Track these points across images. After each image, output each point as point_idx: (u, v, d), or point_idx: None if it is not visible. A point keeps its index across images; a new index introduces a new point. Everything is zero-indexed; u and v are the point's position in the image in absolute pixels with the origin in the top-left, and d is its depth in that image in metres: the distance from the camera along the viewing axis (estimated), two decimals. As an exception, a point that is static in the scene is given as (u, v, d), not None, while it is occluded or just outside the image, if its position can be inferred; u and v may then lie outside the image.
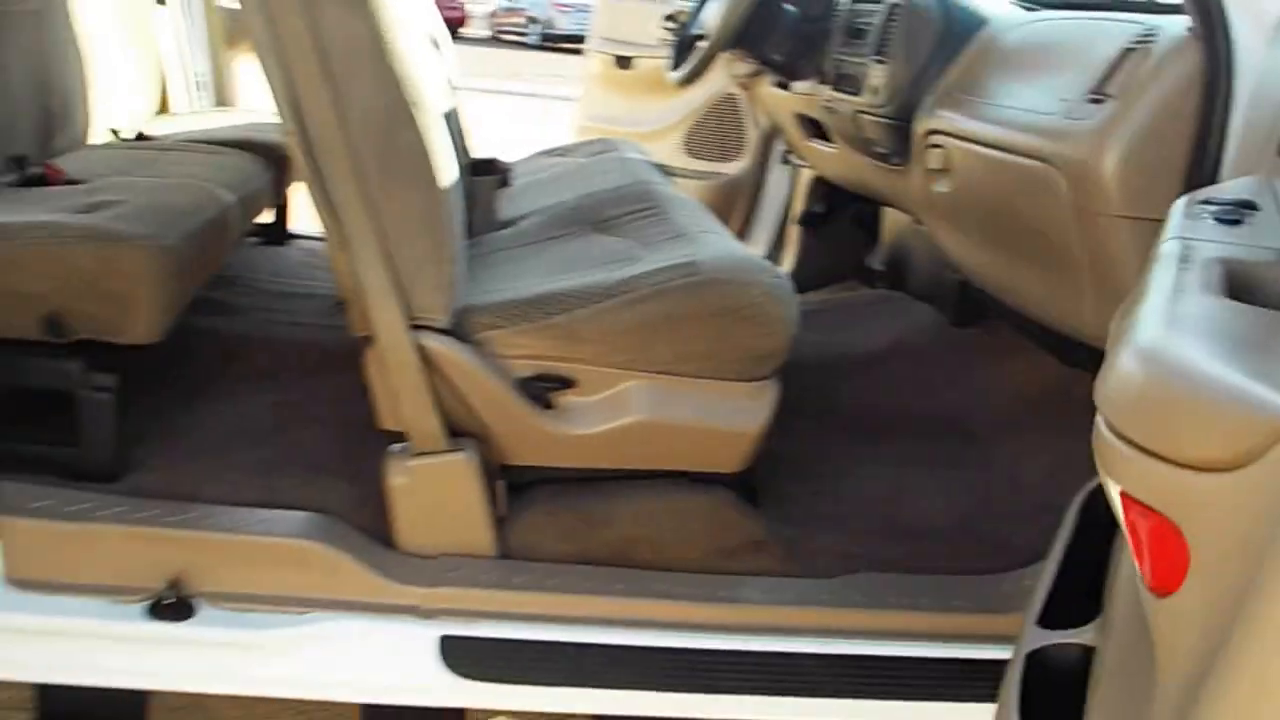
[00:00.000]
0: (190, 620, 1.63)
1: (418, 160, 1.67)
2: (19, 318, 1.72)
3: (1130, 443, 0.71)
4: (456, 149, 2.32)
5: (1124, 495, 0.74)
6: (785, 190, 3.53)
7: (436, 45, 2.48)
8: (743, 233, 3.71)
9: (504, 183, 2.75)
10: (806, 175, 3.32)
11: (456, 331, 1.72)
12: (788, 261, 3.40)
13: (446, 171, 1.72)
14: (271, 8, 1.55)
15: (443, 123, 1.81)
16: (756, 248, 3.62)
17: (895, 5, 2.26)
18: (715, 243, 1.95)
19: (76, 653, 1.63)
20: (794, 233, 3.39)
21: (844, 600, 1.71)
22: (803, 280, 3.29)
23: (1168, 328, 0.74)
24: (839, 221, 3.22)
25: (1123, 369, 0.74)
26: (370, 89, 1.62)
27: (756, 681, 1.68)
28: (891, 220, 2.82)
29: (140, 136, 2.79)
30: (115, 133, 2.76)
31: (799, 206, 3.37)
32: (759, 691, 1.67)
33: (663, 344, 1.75)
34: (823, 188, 3.20)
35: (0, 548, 1.62)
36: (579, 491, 1.82)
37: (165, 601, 1.62)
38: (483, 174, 2.42)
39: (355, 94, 1.60)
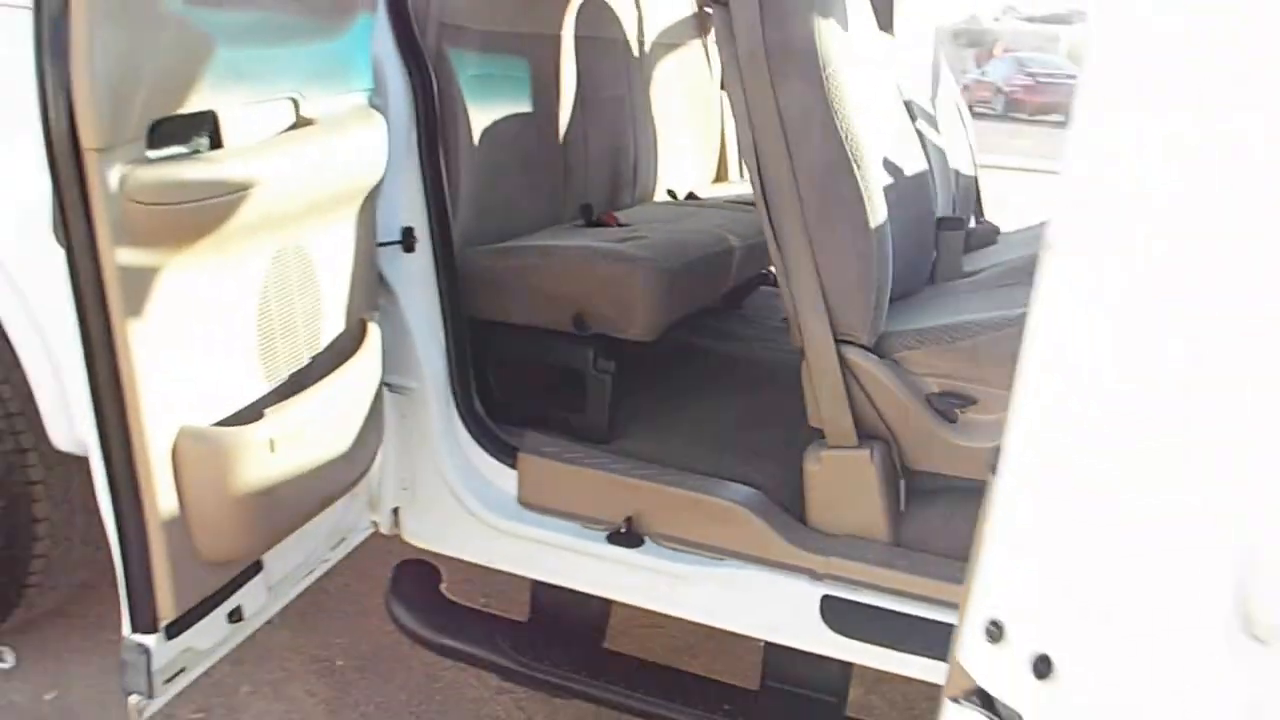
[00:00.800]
0: (638, 550, 2.16)
1: (853, 206, 2.04)
2: (556, 314, 2.38)
3: None
4: (926, 204, 2.68)
5: None
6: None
7: (916, 114, 2.86)
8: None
9: (990, 241, 3.05)
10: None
11: (877, 349, 2.09)
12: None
13: (879, 217, 2.08)
14: (746, 82, 2.05)
15: (881, 175, 2.18)
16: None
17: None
18: None
19: (558, 561, 2.22)
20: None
21: None
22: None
23: None
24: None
25: None
26: (817, 147, 2.04)
27: None
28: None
29: (690, 196, 3.47)
30: (671, 193, 3.47)
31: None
32: None
33: None
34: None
35: (518, 477, 2.27)
36: (975, 499, 2.09)
37: (621, 532, 2.17)
38: (950, 230, 2.75)
39: (804, 150, 2.04)
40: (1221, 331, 0.82)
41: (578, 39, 2.97)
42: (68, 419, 2.20)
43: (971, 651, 0.92)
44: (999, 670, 0.91)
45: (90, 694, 2.51)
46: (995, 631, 0.90)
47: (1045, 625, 0.87)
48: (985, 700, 0.91)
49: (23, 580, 2.47)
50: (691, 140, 3.70)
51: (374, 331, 2.03)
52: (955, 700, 0.93)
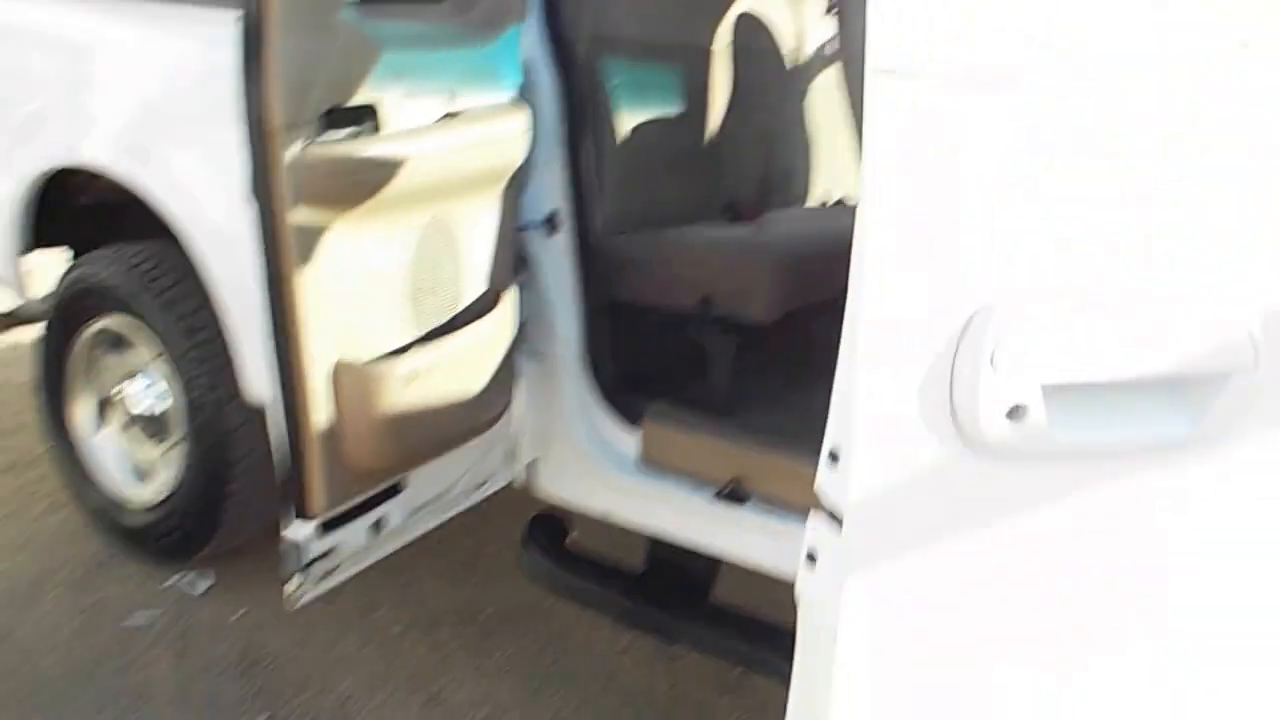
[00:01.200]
0: (740, 508, 2.48)
1: None
2: (685, 296, 2.72)
3: None
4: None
5: None
6: None
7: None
8: None
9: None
10: None
11: None
12: None
13: None
14: (856, 90, 2.37)
15: None
16: None
17: None
18: None
19: (670, 516, 2.57)
20: None
21: None
22: None
23: None
24: None
25: None
26: None
27: None
28: None
29: (839, 202, 3.77)
30: (823, 200, 3.78)
31: None
32: None
33: None
34: None
35: (641, 440, 2.63)
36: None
37: (726, 491, 2.50)
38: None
39: None
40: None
41: (733, 49, 3.32)
42: (261, 373, 2.69)
43: (823, 476, 1.25)
44: (836, 487, 1.23)
45: (271, 616, 3.01)
46: (834, 457, 1.22)
47: (856, 451, 1.19)
48: (832, 516, 1.23)
49: (219, 513, 3.00)
50: (850, 150, 3.99)
51: (510, 296, 2.44)
52: (815, 507, 1.25)
